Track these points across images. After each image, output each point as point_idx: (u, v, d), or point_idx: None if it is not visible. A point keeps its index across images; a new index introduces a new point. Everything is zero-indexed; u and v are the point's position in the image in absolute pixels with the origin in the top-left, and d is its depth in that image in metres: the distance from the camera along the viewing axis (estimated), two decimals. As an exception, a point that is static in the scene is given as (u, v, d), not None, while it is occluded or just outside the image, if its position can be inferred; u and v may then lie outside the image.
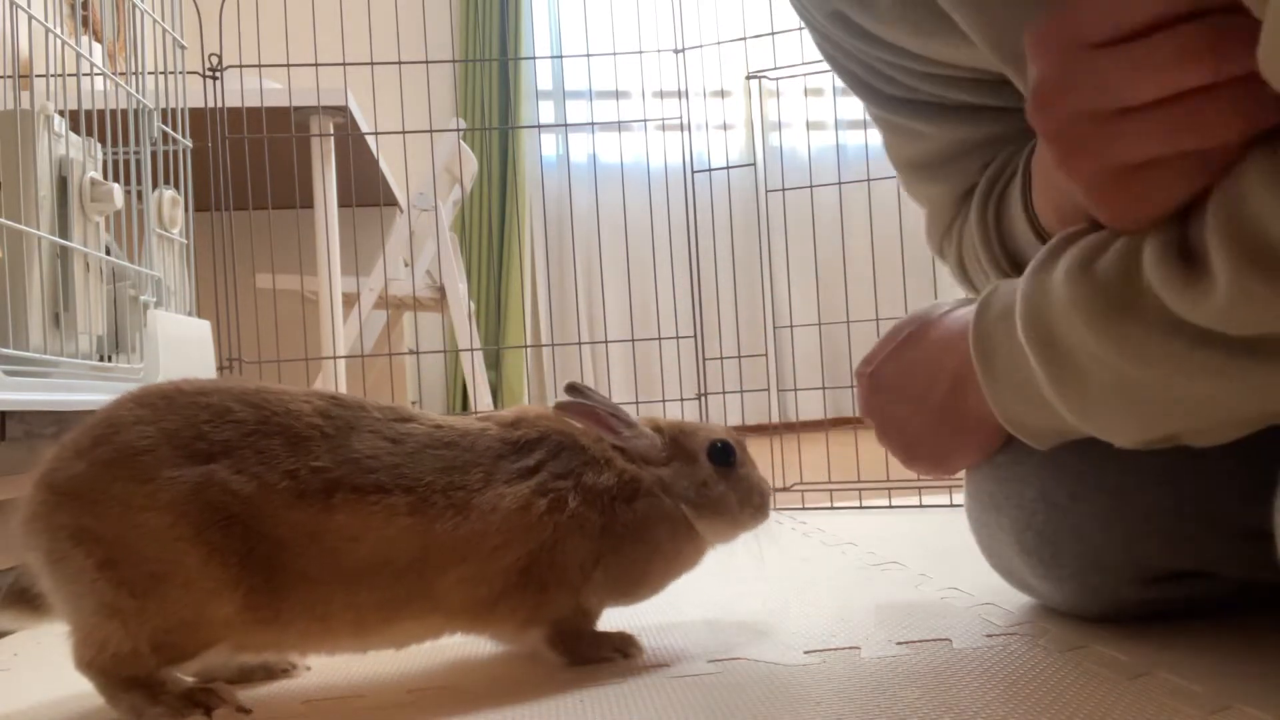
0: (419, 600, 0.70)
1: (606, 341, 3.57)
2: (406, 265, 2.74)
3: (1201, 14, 0.50)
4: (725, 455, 0.82)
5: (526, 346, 3.86)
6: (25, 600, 0.69)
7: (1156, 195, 0.55)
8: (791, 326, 1.98)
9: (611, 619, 0.82)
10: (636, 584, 0.80)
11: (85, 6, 1.76)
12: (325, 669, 0.79)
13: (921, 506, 1.57)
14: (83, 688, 0.68)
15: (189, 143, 1.62)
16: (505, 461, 0.74)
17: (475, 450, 0.74)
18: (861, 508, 1.62)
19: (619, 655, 0.77)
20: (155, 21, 1.56)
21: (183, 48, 1.64)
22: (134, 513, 0.64)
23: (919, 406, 0.78)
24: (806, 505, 1.68)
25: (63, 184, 1.25)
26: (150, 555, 0.64)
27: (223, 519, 0.64)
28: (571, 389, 0.82)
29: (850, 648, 0.77)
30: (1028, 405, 0.67)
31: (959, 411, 0.76)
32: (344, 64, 1.90)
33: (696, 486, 0.80)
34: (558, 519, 0.73)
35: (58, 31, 1.29)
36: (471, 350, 2.63)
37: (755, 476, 0.84)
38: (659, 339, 1.93)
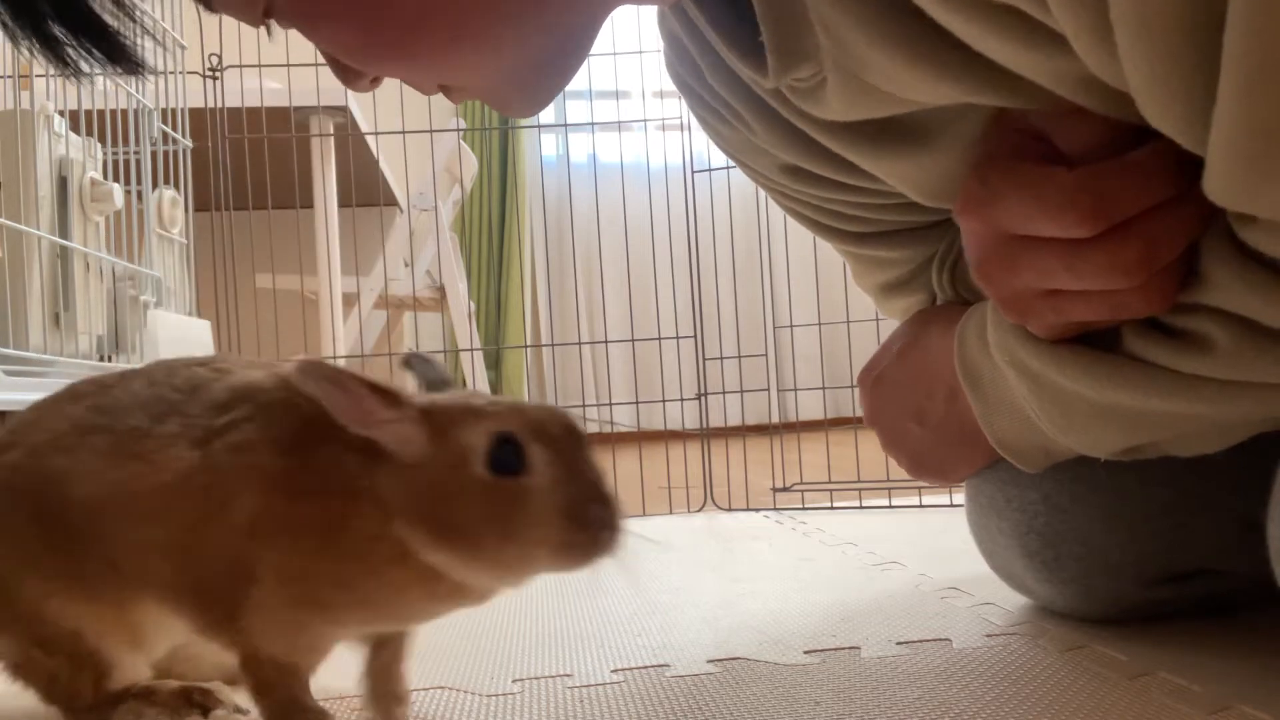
0: (132, 562, 0.60)
1: (606, 341, 3.57)
2: (406, 265, 2.74)
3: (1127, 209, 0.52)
4: (508, 461, 0.52)
5: (526, 346, 3.86)
6: None
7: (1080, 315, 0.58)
8: (791, 326, 1.98)
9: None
10: (294, 618, 0.57)
11: (85, 6, 1.76)
12: (324, 669, 0.79)
13: (921, 506, 1.57)
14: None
15: (189, 143, 1.62)
16: (209, 416, 0.58)
17: (201, 398, 0.59)
18: (861, 508, 1.62)
19: None
20: (155, 21, 1.57)
21: (183, 48, 1.64)
22: None
23: (920, 418, 0.78)
24: (806, 505, 1.68)
25: (63, 184, 1.25)
26: None
27: (14, 496, 0.62)
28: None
29: (850, 648, 0.77)
30: (1015, 423, 0.68)
31: (958, 422, 0.75)
32: (344, 64, 1.90)
33: (440, 501, 0.53)
34: (202, 503, 0.56)
35: (58, 31, 1.29)
36: (471, 350, 2.63)
37: (577, 488, 0.52)
38: (659, 339, 1.93)
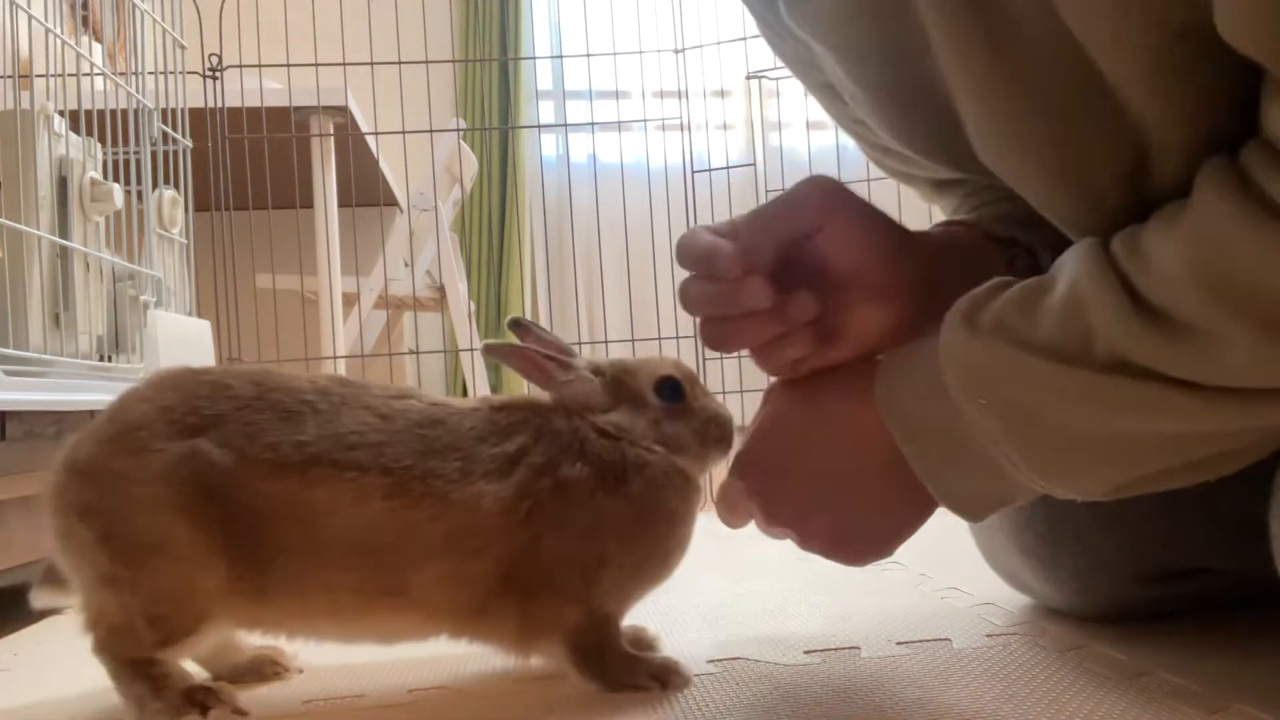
0: (397, 594, 0.68)
1: (606, 341, 3.56)
2: (406, 265, 2.73)
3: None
4: (674, 391, 0.76)
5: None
6: (58, 578, 0.71)
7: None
8: (791, 326, 1.98)
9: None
10: (664, 565, 0.74)
11: (85, 6, 1.76)
12: (325, 669, 0.79)
13: (921, 506, 1.57)
14: (82, 688, 0.68)
15: (189, 143, 1.62)
16: (484, 445, 0.70)
17: (458, 431, 0.70)
18: (861, 508, 1.61)
19: (656, 685, 0.69)
20: (155, 21, 1.57)
21: (183, 48, 1.64)
22: (127, 485, 0.65)
23: (856, 498, 0.69)
24: (806, 505, 1.68)
25: (63, 184, 1.25)
26: (142, 526, 0.65)
27: (205, 489, 0.65)
28: (515, 324, 0.78)
29: (850, 648, 0.77)
30: (969, 474, 0.62)
31: (898, 485, 0.66)
32: (344, 64, 1.90)
33: (651, 426, 0.75)
34: (537, 519, 0.69)
35: (58, 31, 1.29)
36: (471, 350, 2.63)
37: (711, 407, 0.78)
38: (659, 339, 1.93)
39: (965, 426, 0.59)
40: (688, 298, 0.68)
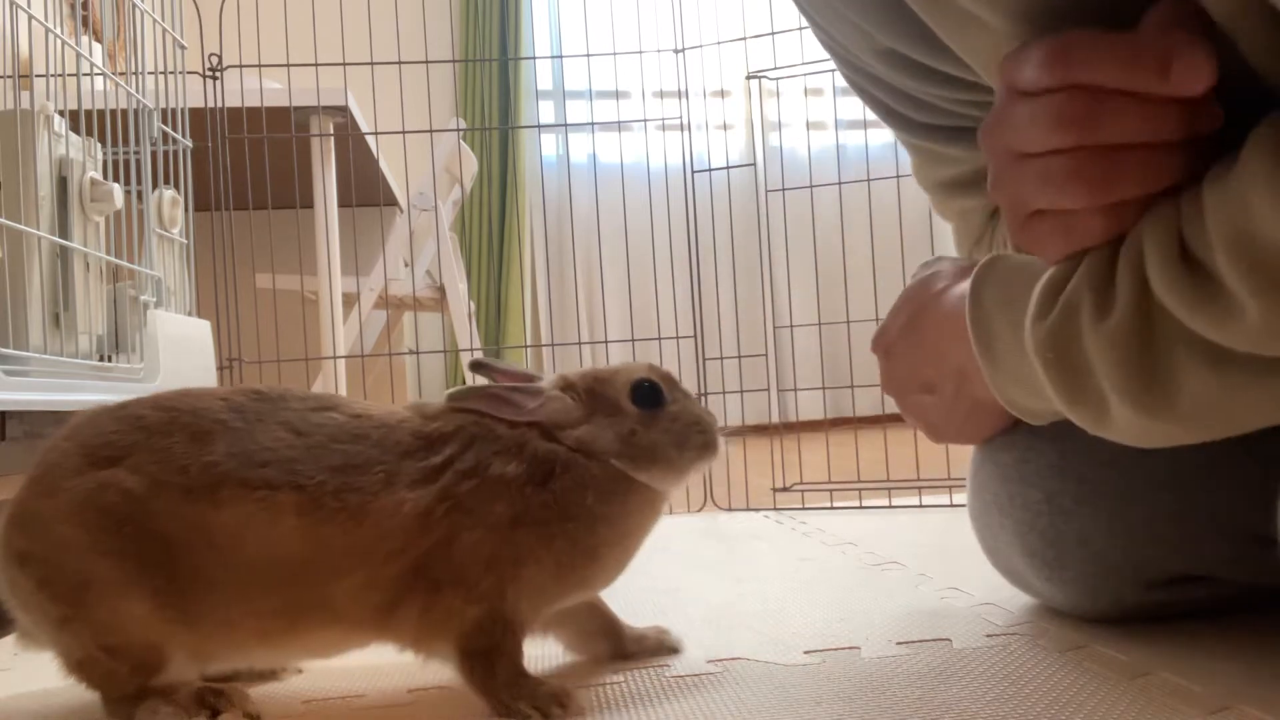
0: (318, 610, 0.67)
1: (606, 341, 3.56)
2: (406, 265, 2.74)
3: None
4: (651, 396, 0.73)
5: (526, 346, 3.86)
6: (29, 630, 0.70)
7: (1050, 243, 0.57)
8: (791, 326, 1.98)
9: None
10: (589, 564, 0.72)
11: (85, 6, 1.76)
12: (325, 670, 0.79)
13: (921, 506, 1.58)
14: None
15: (189, 143, 1.62)
16: (411, 460, 0.68)
17: (383, 446, 0.68)
18: (861, 508, 1.62)
19: (537, 715, 0.65)
20: (155, 21, 1.56)
21: (183, 48, 1.64)
22: (47, 526, 0.65)
23: (930, 390, 0.79)
24: (806, 505, 1.68)
25: (63, 184, 1.25)
26: (68, 566, 0.65)
27: (118, 521, 0.64)
28: (476, 366, 0.76)
29: (850, 648, 0.77)
30: (1029, 392, 0.65)
31: (970, 401, 0.77)
32: (344, 64, 1.90)
33: (623, 438, 0.72)
34: (454, 517, 0.67)
35: (58, 31, 1.29)
36: (471, 350, 2.63)
37: (692, 411, 0.75)
38: (659, 339, 1.93)
39: (1023, 352, 0.61)
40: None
